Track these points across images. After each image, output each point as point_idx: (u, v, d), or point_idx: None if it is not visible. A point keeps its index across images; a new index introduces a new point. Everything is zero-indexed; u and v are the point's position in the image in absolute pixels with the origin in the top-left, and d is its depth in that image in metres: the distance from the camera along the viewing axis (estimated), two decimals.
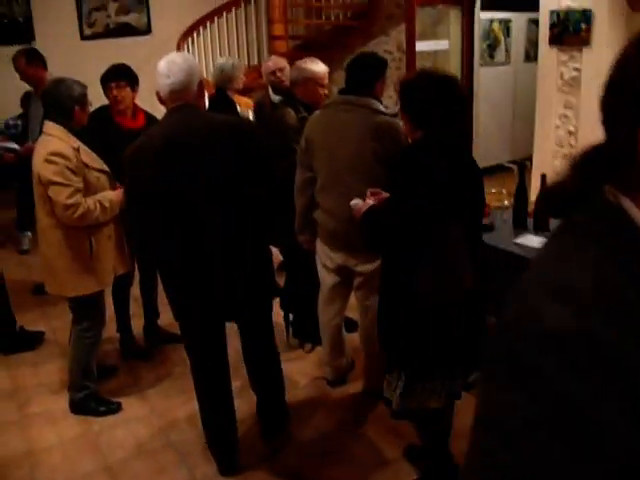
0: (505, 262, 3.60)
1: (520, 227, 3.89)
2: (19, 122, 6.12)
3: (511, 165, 9.19)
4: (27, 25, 7.33)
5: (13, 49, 5.74)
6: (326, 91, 4.06)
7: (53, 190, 3.20)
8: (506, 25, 8.70)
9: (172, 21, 8.02)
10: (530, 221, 3.90)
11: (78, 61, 7.03)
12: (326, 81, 4.07)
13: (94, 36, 7.84)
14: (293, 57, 6.17)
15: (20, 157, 5.34)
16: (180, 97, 2.72)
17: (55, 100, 3.31)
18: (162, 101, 2.80)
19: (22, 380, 4.10)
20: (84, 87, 3.40)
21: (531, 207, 3.96)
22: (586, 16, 6.20)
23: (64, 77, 3.44)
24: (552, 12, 6.41)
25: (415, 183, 2.54)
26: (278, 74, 4.59)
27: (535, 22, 8.81)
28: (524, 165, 3.92)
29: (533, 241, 3.65)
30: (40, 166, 3.23)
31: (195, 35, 7.92)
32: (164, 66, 2.71)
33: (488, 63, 8.48)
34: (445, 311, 2.60)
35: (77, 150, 3.27)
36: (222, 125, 2.84)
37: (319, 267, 3.69)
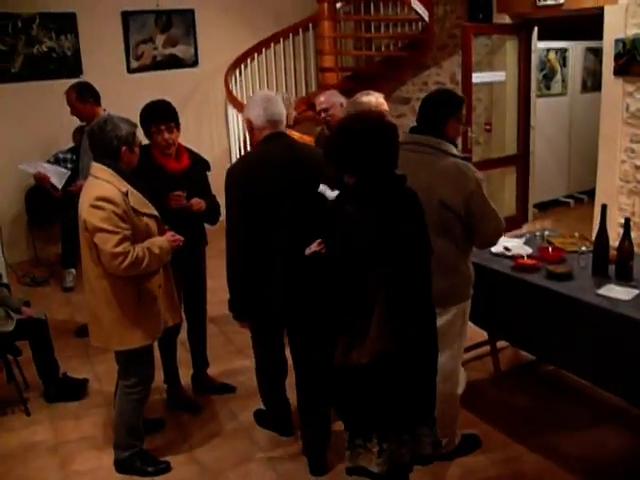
0: (588, 316, 3.29)
1: (600, 275, 3.57)
2: (69, 156, 6.00)
3: (568, 200, 8.98)
4: (75, 59, 7.23)
5: (62, 82, 5.67)
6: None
7: (100, 238, 2.97)
8: (562, 55, 8.41)
9: (220, 53, 7.89)
10: (612, 268, 3.57)
11: (125, 94, 6.91)
12: (385, 107, 3.84)
13: (141, 69, 7.73)
14: (343, 89, 6.00)
15: (66, 193, 5.19)
16: (276, 126, 3.16)
17: (101, 140, 3.09)
18: (252, 129, 3.19)
19: (64, 433, 3.86)
20: (133, 126, 3.16)
21: (612, 253, 3.62)
22: None
23: (112, 115, 3.23)
24: (617, 41, 6.09)
25: (336, 249, 2.49)
26: (331, 111, 4.37)
27: (593, 51, 8.57)
28: (605, 207, 3.57)
29: (618, 292, 3.33)
30: (86, 212, 3.01)
31: (242, 67, 7.77)
32: (264, 98, 3.18)
33: (544, 94, 8.17)
34: (356, 373, 2.44)
35: (126, 194, 3.04)
36: (314, 153, 3.25)
37: None
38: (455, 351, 3.29)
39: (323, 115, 4.45)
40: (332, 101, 4.45)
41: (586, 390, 3.93)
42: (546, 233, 4.35)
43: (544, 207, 8.52)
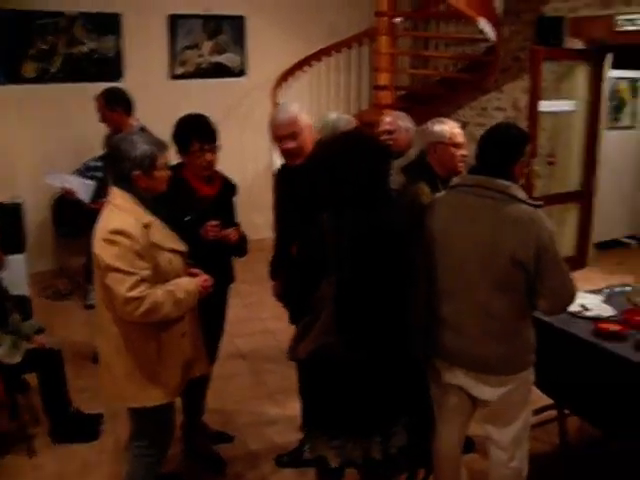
0: None
1: None
2: (100, 164, 5.61)
3: (629, 240, 8.37)
4: (116, 61, 6.87)
5: (101, 85, 5.32)
6: (464, 152, 3.33)
7: (112, 278, 2.50)
8: (634, 85, 7.83)
9: (269, 63, 7.47)
10: None
11: (165, 101, 6.54)
12: (460, 139, 3.37)
13: (184, 76, 7.34)
14: (397, 108, 5.53)
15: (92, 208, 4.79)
16: None
17: (114, 161, 2.62)
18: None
19: None
20: (156, 146, 2.64)
21: None
22: None
23: (135, 132, 2.77)
24: None
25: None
26: (395, 135, 3.95)
27: None
28: None
29: None
30: (99, 246, 2.55)
31: (291, 80, 7.33)
32: None
33: (612, 127, 7.60)
34: (302, 367, 2.74)
35: (147, 227, 2.58)
36: None
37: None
38: (521, 424, 2.80)
39: (385, 137, 4.02)
40: (398, 124, 4.03)
41: None
42: (626, 289, 3.82)
43: (603, 247, 7.92)
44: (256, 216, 5.79)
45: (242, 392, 4.23)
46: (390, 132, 4.05)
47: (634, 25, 6.00)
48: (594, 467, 3.59)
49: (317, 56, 7.38)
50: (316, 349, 2.49)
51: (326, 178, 2.48)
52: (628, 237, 8.40)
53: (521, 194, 2.61)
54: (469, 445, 3.43)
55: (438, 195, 2.94)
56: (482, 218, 2.60)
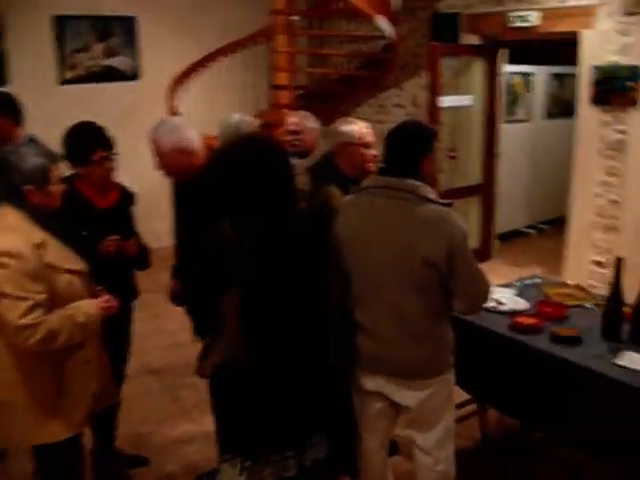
0: (604, 389, 2.77)
1: (613, 339, 3.05)
2: None
3: (529, 230, 8.60)
4: (0, 66, 6.46)
5: None
6: (374, 151, 3.25)
7: (2, 305, 2.26)
8: (527, 79, 8.04)
9: (164, 65, 7.23)
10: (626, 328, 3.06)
11: (55, 109, 6.20)
12: (370, 139, 3.29)
13: (75, 80, 7.00)
14: (296, 108, 5.44)
15: None
16: None
17: (1, 176, 2.38)
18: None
19: None
20: (48, 159, 2.41)
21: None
22: (635, 73, 5.49)
23: (22, 144, 2.52)
24: (596, 68, 5.70)
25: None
26: (301, 135, 3.84)
27: (558, 77, 8.25)
28: (622, 260, 3.05)
29: None
30: None
31: (187, 81, 7.10)
32: None
33: (508, 120, 7.76)
34: (217, 384, 2.51)
35: (40, 247, 2.34)
36: None
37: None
38: (444, 427, 2.76)
39: (290, 137, 3.91)
40: (304, 125, 3.93)
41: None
42: (536, 281, 3.86)
43: (505, 238, 8.11)
44: (157, 224, 5.55)
45: (156, 411, 4.02)
46: (296, 132, 3.96)
47: (525, 21, 6.14)
48: (514, 458, 3.59)
49: (213, 57, 7.18)
50: (223, 363, 2.36)
51: (226, 183, 2.35)
52: (528, 227, 8.62)
53: (431, 194, 2.54)
54: (393, 448, 3.37)
55: (347, 199, 2.84)
56: (393, 221, 2.52)
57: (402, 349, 2.59)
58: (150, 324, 5.03)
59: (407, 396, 2.65)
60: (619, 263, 3.04)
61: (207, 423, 3.65)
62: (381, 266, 2.54)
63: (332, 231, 2.65)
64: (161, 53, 7.40)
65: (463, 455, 3.48)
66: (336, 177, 3.24)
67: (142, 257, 3.25)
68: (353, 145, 3.24)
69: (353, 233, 2.61)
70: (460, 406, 3.80)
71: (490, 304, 3.36)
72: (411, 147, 2.58)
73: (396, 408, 2.78)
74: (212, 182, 2.43)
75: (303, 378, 2.42)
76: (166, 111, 6.78)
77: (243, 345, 2.33)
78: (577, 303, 3.43)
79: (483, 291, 2.61)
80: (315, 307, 2.44)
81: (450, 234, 2.46)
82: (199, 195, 2.69)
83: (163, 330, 5.24)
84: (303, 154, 3.93)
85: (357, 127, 3.28)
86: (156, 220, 5.59)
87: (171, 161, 2.96)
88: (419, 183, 2.53)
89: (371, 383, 2.72)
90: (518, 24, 6.19)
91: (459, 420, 3.78)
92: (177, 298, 3.06)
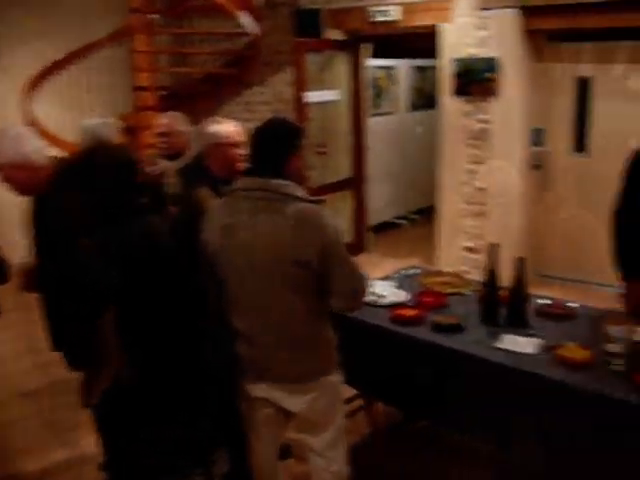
0: (487, 374, 2.84)
1: (492, 324, 3.12)
2: None
3: (400, 221, 8.78)
4: None
5: None
6: (243, 150, 3.16)
7: None
8: (390, 73, 8.19)
9: (20, 68, 6.78)
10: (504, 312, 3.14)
11: None
12: (238, 138, 3.19)
13: None
14: (160, 109, 5.29)
15: None
16: None
17: None
18: None
19: None
20: None
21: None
22: (492, 65, 5.70)
23: None
24: (455, 60, 5.87)
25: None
26: (171, 138, 3.71)
27: (420, 69, 8.46)
28: (496, 245, 3.13)
29: (520, 344, 2.89)
30: None
31: (44, 84, 6.71)
32: None
33: (374, 113, 7.88)
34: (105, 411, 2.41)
35: None
36: None
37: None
38: (334, 428, 2.71)
39: (160, 140, 3.77)
40: (174, 126, 3.80)
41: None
42: (414, 271, 3.90)
43: (377, 230, 8.23)
44: (18, 237, 5.23)
45: (28, 437, 3.76)
46: (165, 134, 3.84)
47: (386, 16, 6.23)
48: (402, 447, 3.63)
49: (69, 59, 6.83)
50: (109, 388, 2.25)
51: (84, 199, 2.27)
52: (399, 218, 8.79)
53: (300, 192, 2.47)
54: (285, 451, 3.31)
55: (215, 202, 2.74)
56: (262, 223, 2.42)
57: (282, 354, 2.52)
58: (16, 344, 4.72)
59: (294, 401, 2.59)
60: (493, 249, 3.11)
61: (84, 445, 3.49)
62: (253, 270, 2.45)
63: (202, 236, 2.56)
64: (17, 55, 6.95)
65: (354, 451, 3.49)
66: (207, 179, 3.13)
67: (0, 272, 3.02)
68: (222, 145, 3.15)
69: (222, 238, 2.51)
70: (347, 402, 3.80)
71: (371, 298, 3.37)
72: (276, 146, 2.51)
73: (284, 413, 2.71)
74: (61, 197, 2.36)
75: (189, 386, 2.37)
76: (22, 116, 6.40)
77: (127, 363, 2.24)
78: (455, 291, 3.49)
79: (361, 286, 2.58)
80: (191, 313, 2.38)
81: (321, 232, 2.40)
82: (50, 212, 2.55)
83: (31, 349, 4.93)
84: (174, 156, 3.80)
85: (225, 127, 3.19)
86: (17, 233, 5.27)
87: (10, 176, 2.78)
88: (287, 182, 2.45)
89: (257, 390, 2.64)
90: (380, 18, 6.28)
91: (347, 416, 3.78)
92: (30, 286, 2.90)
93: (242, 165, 3.17)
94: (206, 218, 2.61)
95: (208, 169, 3.18)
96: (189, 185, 3.13)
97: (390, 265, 5.35)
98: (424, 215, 8.53)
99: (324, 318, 2.62)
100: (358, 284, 2.56)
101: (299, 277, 2.42)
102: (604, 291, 5.24)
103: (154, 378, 2.25)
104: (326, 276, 2.45)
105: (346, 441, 2.81)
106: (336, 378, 2.71)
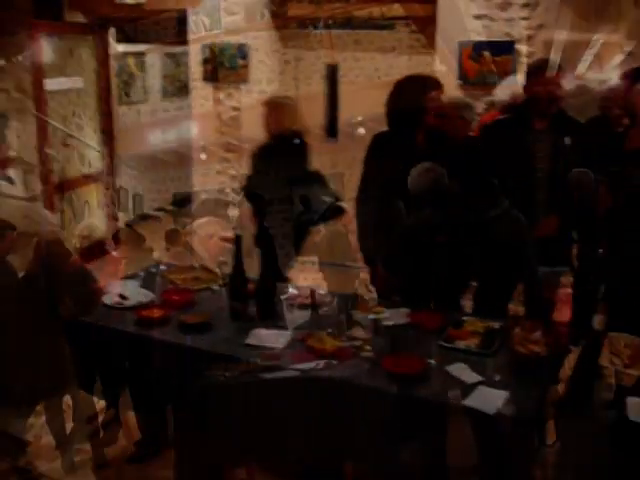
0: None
1: (240, 319, 3.00)
2: None
3: (157, 213, 8.47)
4: None
5: None
6: None
7: None
8: (141, 60, 7.84)
9: None
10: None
11: None
12: None
13: None
14: None
15: None
16: None
17: None
18: None
19: None
20: None
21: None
22: (242, 51, 5.64)
23: None
24: (204, 46, 5.72)
25: None
26: None
27: (172, 56, 8.19)
28: (239, 237, 3.02)
29: (270, 339, 2.80)
30: None
31: None
32: None
33: (125, 102, 7.50)
34: None
35: None
36: None
37: None
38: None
39: None
40: None
41: None
42: (161, 268, 3.69)
43: (135, 224, 7.85)
44: None
45: None
46: None
47: None
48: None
49: None
50: None
51: None
52: (157, 210, 8.47)
53: (10, 190, 2.21)
54: None
55: None
56: None
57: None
58: None
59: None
60: (237, 241, 3.00)
61: None
62: None
63: None
64: None
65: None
66: None
67: None
68: None
69: None
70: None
71: (114, 300, 3.12)
72: None
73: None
74: None
75: None
76: None
77: None
78: (204, 286, 3.34)
79: (90, 288, 2.36)
80: None
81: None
82: None
83: None
84: None
85: None
86: None
87: None
88: None
89: None
90: (125, 1, 5.94)
91: (103, 427, 3.50)
92: None
93: None
94: None
95: None
96: None
97: (145, 261, 5.09)
98: (183, 206, 8.29)
99: (53, 328, 2.37)
100: (87, 285, 2.36)
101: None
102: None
103: None
104: (52, 281, 2.21)
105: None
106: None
